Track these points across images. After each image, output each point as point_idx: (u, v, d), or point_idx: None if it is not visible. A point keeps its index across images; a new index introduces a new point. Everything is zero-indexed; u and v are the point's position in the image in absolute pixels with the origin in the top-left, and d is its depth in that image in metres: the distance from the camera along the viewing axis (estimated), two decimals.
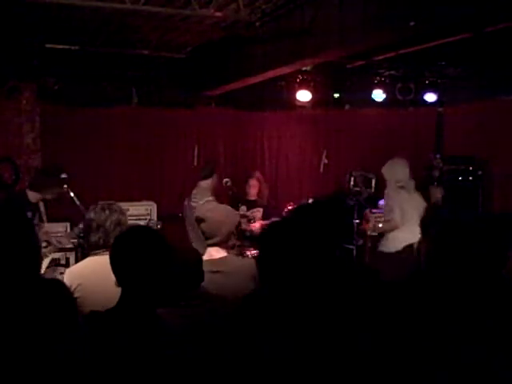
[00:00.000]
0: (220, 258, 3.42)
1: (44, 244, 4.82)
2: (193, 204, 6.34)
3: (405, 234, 5.52)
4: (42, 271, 4.05)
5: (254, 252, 5.52)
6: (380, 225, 5.84)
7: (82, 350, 2.00)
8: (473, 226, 2.48)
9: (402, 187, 5.80)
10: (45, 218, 5.42)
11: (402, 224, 5.64)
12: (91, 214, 3.38)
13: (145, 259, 2.25)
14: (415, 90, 8.37)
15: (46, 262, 4.40)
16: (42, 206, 5.41)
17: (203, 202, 5.88)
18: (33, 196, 5.27)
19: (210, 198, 6.17)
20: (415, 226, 5.63)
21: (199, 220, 3.49)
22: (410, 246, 5.62)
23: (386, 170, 6.08)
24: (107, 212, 3.36)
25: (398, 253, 5.55)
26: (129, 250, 2.30)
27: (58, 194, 5.31)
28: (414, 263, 5.80)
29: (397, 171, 5.94)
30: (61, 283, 2.47)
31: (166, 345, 1.90)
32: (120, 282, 2.28)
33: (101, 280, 2.86)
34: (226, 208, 3.76)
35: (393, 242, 5.63)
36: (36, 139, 7.60)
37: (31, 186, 5.38)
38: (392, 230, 5.70)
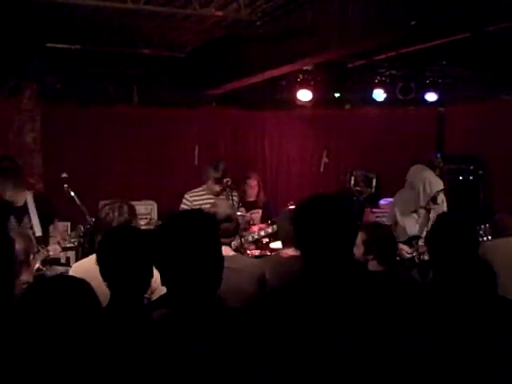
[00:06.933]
0: (232, 256, 3.51)
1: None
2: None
3: None
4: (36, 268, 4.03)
5: (255, 251, 5.53)
6: None
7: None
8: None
9: None
10: (35, 219, 4.78)
11: None
12: (101, 214, 3.41)
13: (127, 259, 2.24)
14: (416, 89, 8.35)
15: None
16: (31, 204, 4.84)
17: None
18: (16, 198, 4.81)
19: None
20: None
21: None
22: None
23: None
24: (116, 213, 3.38)
25: None
26: (112, 251, 2.28)
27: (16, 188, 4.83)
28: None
29: None
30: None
31: (157, 345, 1.87)
32: (107, 283, 2.27)
33: None
34: None
35: None
36: (37, 138, 7.58)
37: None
38: None
